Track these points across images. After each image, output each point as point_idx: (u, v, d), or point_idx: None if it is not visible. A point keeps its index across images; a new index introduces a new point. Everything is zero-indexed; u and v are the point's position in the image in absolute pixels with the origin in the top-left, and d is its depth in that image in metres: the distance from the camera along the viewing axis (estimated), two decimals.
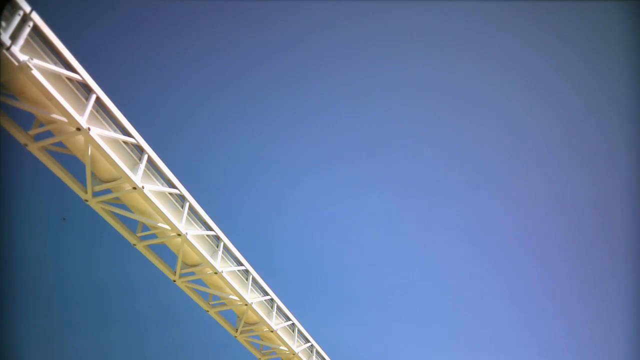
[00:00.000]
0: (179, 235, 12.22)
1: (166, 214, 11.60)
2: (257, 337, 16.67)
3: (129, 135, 10.79)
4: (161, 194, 11.86)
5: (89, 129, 9.52)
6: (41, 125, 9.72)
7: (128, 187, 10.95)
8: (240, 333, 15.89)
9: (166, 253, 13.22)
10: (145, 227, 12.46)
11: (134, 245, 12.41)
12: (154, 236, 12.56)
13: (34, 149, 9.73)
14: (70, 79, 9.45)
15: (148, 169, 11.57)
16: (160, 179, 12.03)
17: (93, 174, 10.86)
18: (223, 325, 15.54)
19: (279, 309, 16.62)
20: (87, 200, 10.94)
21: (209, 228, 13.48)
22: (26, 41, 8.42)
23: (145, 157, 11.26)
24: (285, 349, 16.91)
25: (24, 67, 8.22)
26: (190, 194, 12.83)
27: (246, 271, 15.05)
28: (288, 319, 17.20)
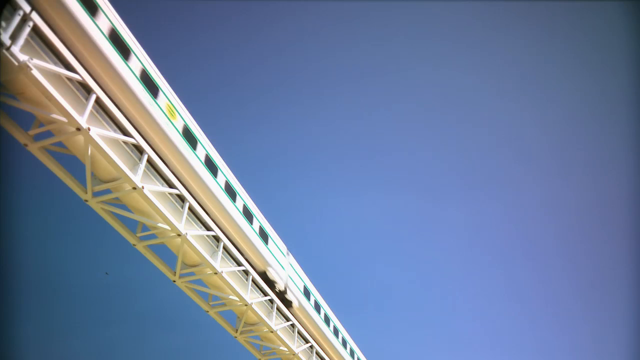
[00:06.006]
0: (178, 235, 12.20)
1: (166, 214, 11.58)
2: (257, 337, 16.65)
3: (129, 135, 10.78)
4: (161, 194, 11.84)
5: (88, 129, 9.51)
6: (41, 125, 9.71)
7: (128, 187, 10.93)
8: (240, 333, 15.87)
9: (166, 253, 13.19)
10: (145, 228, 12.43)
11: (134, 245, 12.37)
12: (153, 236, 12.53)
13: (34, 149, 9.72)
14: (70, 79, 9.45)
15: (148, 169, 11.56)
16: (160, 179, 12.02)
17: (93, 174, 10.84)
18: (223, 325, 15.51)
19: (278, 309, 16.60)
20: (87, 201, 10.91)
21: (209, 228, 13.46)
22: (26, 41, 8.42)
23: (145, 157, 11.24)
24: (285, 349, 16.88)
25: (24, 67, 8.21)
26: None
27: (246, 272, 15.03)
28: (288, 319, 17.19)
